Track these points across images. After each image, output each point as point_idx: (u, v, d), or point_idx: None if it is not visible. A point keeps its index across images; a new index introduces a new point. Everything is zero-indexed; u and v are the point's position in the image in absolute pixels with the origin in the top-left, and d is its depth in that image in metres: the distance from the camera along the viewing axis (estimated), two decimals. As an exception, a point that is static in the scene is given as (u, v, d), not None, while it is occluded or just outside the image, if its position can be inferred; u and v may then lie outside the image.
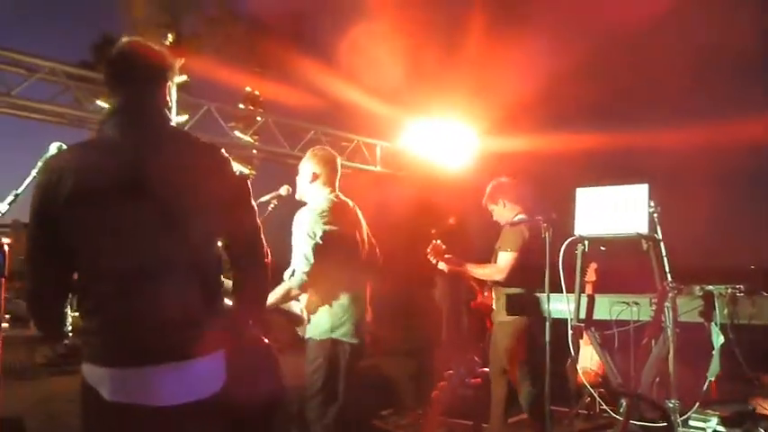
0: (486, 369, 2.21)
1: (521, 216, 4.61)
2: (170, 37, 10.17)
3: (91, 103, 6.94)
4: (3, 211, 2.84)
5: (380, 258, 3.87)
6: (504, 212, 4.71)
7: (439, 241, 4.66)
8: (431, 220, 5.64)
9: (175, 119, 7.76)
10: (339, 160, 3.75)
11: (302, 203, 3.66)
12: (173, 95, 2.12)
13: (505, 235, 4.61)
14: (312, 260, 3.36)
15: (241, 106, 10.20)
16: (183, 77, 9.91)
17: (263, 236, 2.16)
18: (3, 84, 6.12)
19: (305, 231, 3.40)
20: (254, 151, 9.20)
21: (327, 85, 8.71)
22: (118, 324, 1.89)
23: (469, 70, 8.47)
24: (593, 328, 4.29)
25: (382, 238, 4.28)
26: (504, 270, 4.46)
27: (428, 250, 4.64)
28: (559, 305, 4.29)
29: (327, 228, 3.40)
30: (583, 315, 4.24)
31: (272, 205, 3.73)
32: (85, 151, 1.99)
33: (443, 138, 8.90)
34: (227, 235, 2.08)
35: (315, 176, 3.60)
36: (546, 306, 4.19)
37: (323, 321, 3.47)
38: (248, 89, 10.89)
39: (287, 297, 3.47)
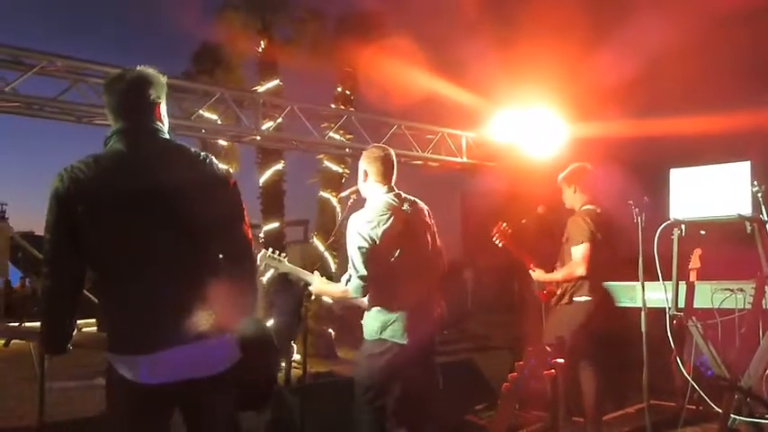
0: (561, 360, 2.12)
1: (588, 206, 4.57)
2: (262, 43, 10.45)
3: (183, 110, 7.27)
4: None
5: (444, 263, 3.70)
6: (573, 198, 4.69)
7: (505, 225, 4.68)
8: (521, 210, 5.50)
9: (266, 125, 8.10)
10: (392, 154, 3.65)
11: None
12: (165, 113, 2.39)
13: (571, 228, 4.55)
14: (363, 269, 3.35)
15: (333, 106, 10.32)
16: (276, 82, 10.18)
17: (251, 241, 2.40)
18: (100, 97, 6.51)
19: (354, 238, 3.39)
20: (348, 150, 9.28)
21: (411, 79, 8.67)
22: (136, 317, 2.14)
23: (556, 56, 8.19)
24: (694, 318, 4.04)
25: (472, 231, 4.29)
26: (582, 262, 4.38)
27: (494, 232, 4.66)
28: (656, 294, 4.10)
29: (376, 231, 3.35)
30: (682, 304, 4.03)
31: (351, 199, 3.80)
32: (96, 162, 2.19)
33: (530, 126, 8.68)
34: (222, 236, 2.29)
35: (365, 175, 3.58)
36: (641, 295, 4.04)
37: (372, 322, 3.44)
38: (339, 89, 11.01)
39: (344, 299, 3.62)
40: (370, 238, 3.35)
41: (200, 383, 2.18)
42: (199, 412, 2.27)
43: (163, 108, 2.36)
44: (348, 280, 3.46)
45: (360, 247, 3.36)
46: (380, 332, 3.40)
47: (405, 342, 3.38)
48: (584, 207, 4.59)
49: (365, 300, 3.49)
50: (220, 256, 2.29)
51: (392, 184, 3.59)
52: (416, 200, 3.64)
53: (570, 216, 4.64)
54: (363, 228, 3.38)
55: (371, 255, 3.35)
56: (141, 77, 2.31)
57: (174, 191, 2.17)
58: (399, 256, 3.38)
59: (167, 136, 2.34)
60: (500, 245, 4.71)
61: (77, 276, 2.19)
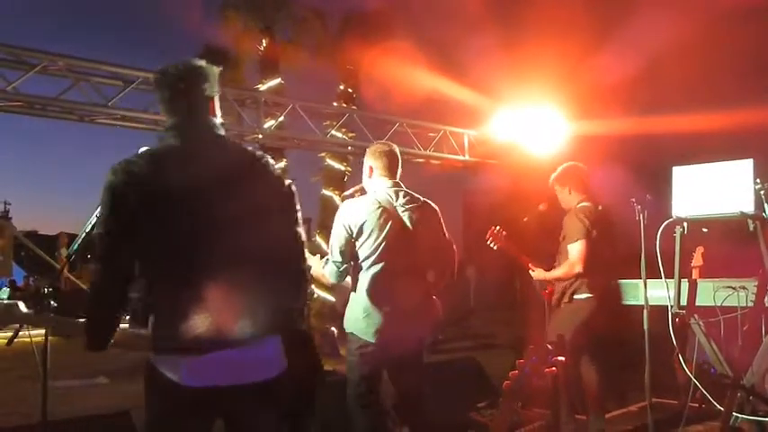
0: (562, 358, 2.12)
1: (584, 204, 4.56)
2: (264, 42, 10.44)
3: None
4: (98, 215, 2.97)
5: (452, 260, 3.64)
6: (569, 198, 4.69)
7: (498, 228, 4.67)
8: (523, 208, 5.50)
9: (268, 124, 8.10)
10: (397, 149, 3.65)
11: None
12: (217, 106, 2.32)
13: (567, 225, 4.55)
14: (338, 255, 3.37)
15: (335, 104, 10.31)
16: (278, 80, 10.17)
17: (303, 244, 2.34)
18: (102, 96, 6.53)
19: (336, 224, 3.40)
20: (350, 147, 9.28)
21: (413, 77, 8.67)
22: (182, 316, 2.04)
23: (558, 55, 8.20)
24: (696, 316, 4.03)
25: (474, 230, 4.31)
26: (579, 260, 4.39)
27: (487, 236, 4.66)
28: (658, 291, 4.09)
29: (356, 222, 3.34)
30: (684, 302, 4.02)
31: (355, 198, 3.79)
32: (152, 157, 2.13)
33: (532, 124, 8.66)
34: (275, 237, 2.21)
35: (371, 170, 3.58)
36: (642, 293, 4.03)
37: (349, 314, 3.43)
38: (342, 87, 11.00)
39: (321, 280, 3.63)
40: (350, 227, 3.35)
41: (245, 390, 2.10)
42: (242, 422, 2.18)
43: (216, 102, 2.30)
44: (326, 263, 3.49)
45: (338, 234, 3.38)
46: (352, 327, 3.40)
47: (373, 341, 3.33)
48: (580, 204, 4.59)
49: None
50: (272, 257, 2.18)
51: (397, 179, 3.58)
52: (423, 199, 3.59)
53: (565, 217, 4.64)
54: (347, 216, 3.38)
55: (348, 244, 3.36)
56: (195, 70, 2.24)
57: (229, 189, 2.10)
58: (381, 252, 3.34)
59: (222, 132, 2.28)
60: (495, 248, 4.70)
61: (128, 272, 2.10)
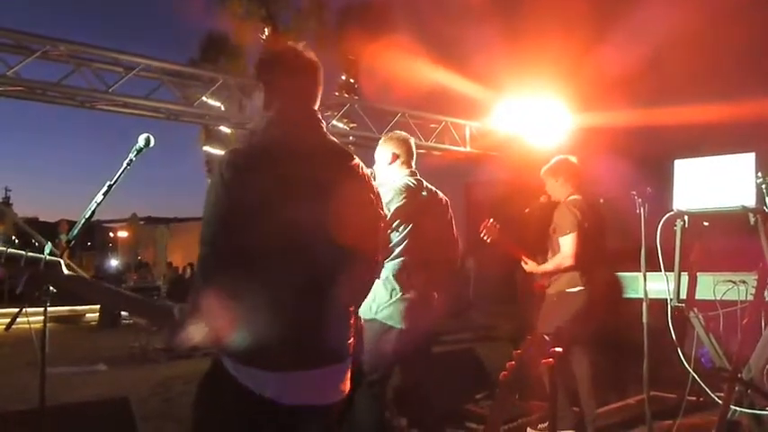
0: (559, 349, 2.11)
1: (574, 197, 4.58)
2: (266, 31, 10.45)
3: (187, 97, 7.25)
4: (98, 201, 2.96)
5: (458, 255, 3.71)
6: (559, 189, 4.67)
7: (492, 220, 4.65)
8: (525, 200, 5.48)
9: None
10: (413, 141, 3.67)
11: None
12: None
13: (558, 218, 4.54)
14: None
15: (336, 94, 10.31)
16: (280, 69, 10.17)
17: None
18: (102, 82, 6.52)
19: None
20: (351, 138, 9.27)
21: (415, 68, 8.66)
22: (291, 328, 1.88)
23: (561, 46, 8.16)
24: (695, 309, 4.03)
25: (475, 221, 4.32)
26: (571, 253, 4.39)
27: (481, 228, 4.62)
28: (657, 285, 4.08)
29: (388, 207, 3.31)
30: (684, 295, 4.02)
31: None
32: (261, 149, 1.98)
33: (535, 116, 8.65)
34: (364, 245, 2.08)
35: (395, 156, 3.55)
36: (642, 286, 4.03)
37: (370, 300, 3.37)
38: (343, 77, 11.01)
39: None
40: (393, 208, 3.35)
41: (318, 410, 1.96)
42: None
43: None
44: None
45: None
46: (375, 312, 3.37)
47: (398, 327, 3.35)
48: (570, 197, 4.60)
49: None
50: (362, 269, 2.07)
51: (414, 169, 3.60)
52: (437, 191, 3.65)
53: (557, 210, 4.64)
54: (390, 200, 3.36)
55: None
56: (314, 60, 2.10)
57: (337, 189, 1.95)
58: (404, 237, 3.37)
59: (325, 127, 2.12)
60: (488, 240, 4.67)
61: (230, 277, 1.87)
